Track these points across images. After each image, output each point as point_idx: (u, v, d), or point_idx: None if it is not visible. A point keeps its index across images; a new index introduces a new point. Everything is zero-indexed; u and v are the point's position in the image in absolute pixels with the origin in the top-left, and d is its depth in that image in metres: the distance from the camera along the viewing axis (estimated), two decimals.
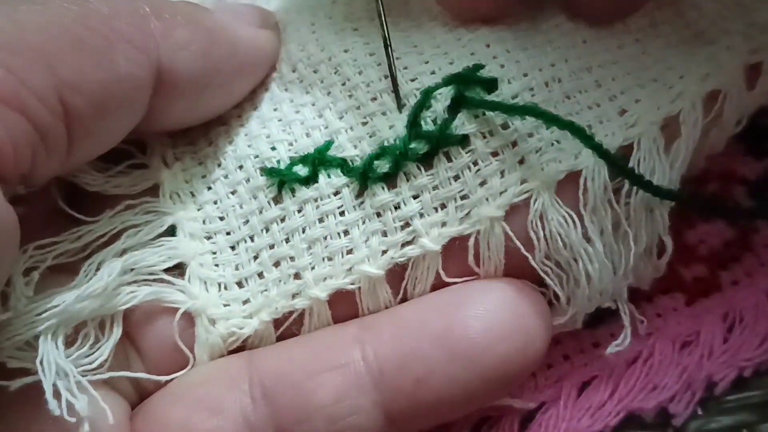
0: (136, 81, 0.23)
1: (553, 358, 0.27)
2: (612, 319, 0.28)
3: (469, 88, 0.24)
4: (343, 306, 0.25)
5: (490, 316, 0.23)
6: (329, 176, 0.25)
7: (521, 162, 0.24)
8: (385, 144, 0.25)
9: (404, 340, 0.24)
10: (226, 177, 0.26)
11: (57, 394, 0.22)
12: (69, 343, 0.24)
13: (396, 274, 0.25)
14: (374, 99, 0.26)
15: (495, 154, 0.24)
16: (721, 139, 0.27)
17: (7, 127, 0.20)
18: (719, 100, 0.25)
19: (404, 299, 0.25)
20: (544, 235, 0.24)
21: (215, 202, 0.26)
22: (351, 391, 0.23)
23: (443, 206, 0.24)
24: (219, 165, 0.27)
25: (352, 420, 0.23)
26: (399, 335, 0.24)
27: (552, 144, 0.24)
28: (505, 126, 0.24)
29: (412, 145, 0.24)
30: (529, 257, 0.24)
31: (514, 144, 0.24)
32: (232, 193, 0.26)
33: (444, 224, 0.24)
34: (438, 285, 0.25)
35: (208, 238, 0.26)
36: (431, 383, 0.23)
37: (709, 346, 0.26)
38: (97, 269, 0.25)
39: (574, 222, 0.24)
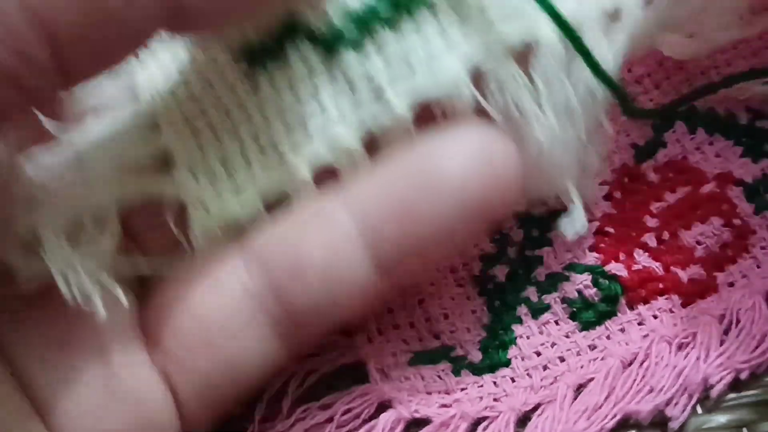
0: None
1: (549, 360, 0.27)
2: (609, 321, 0.28)
3: None
4: (324, 175, 0.26)
5: (465, 153, 0.24)
6: (298, 48, 0.25)
7: (486, 28, 0.25)
8: (350, 10, 0.25)
9: (384, 187, 0.25)
10: (198, 70, 0.27)
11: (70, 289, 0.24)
12: (70, 240, 0.25)
13: (370, 140, 0.25)
14: None
15: (461, 18, 0.25)
16: (647, 37, 0.27)
17: None
18: None
19: None
20: (501, 99, 0.25)
21: (192, 96, 0.27)
22: (339, 244, 0.25)
23: (412, 71, 0.25)
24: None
25: (344, 272, 0.25)
26: (379, 184, 0.25)
27: (515, 12, 0.25)
28: None
29: (378, 8, 0.25)
30: (493, 115, 0.25)
31: (481, 9, 0.25)
32: (210, 85, 0.26)
33: (413, 89, 0.25)
34: None
35: (189, 124, 0.27)
36: (414, 224, 0.24)
37: (706, 348, 0.26)
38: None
39: (528, 89, 0.25)
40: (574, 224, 0.27)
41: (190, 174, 0.26)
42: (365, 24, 0.25)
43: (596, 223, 0.30)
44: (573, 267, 0.29)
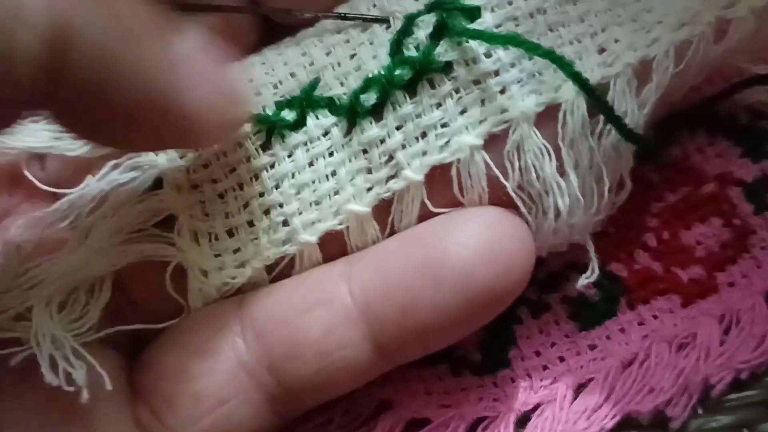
0: None
1: (549, 360, 0.27)
2: (609, 321, 0.28)
3: (452, 16, 0.24)
4: (333, 246, 0.25)
5: (471, 242, 0.24)
6: (317, 117, 0.25)
7: (502, 92, 0.24)
8: (370, 76, 0.25)
9: (388, 271, 0.24)
10: None
11: (54, 364, 0.23)
12: (59, 307, 0.24)
13: (382, 209, 0.25)
14: (365, 30, 0.26)
15: (477, 82, 0.24)
16: (680, 90, 0.27)
17: None
18: (690, 52, 0.25)
19: (392, 234, 0.25)
20: (519, 165, 0.24)
21: (202, 160, 0.26)
22: (339, 326, 0.24)
23: (424, 135, 0.25)
24: None
25: (342, 353, 0.24)
26: (383, 267, 0.24)
27: (534, 75, 0.24)
28: (488, 55, 0.24)
29: (397, 72, 0.25)
30: (507, 186, 0.24)
31: (496, 73, 0.24)
32: (222, 153, 0.26)
33: (425, 153, 0.25)
34: (425, 216, 0.25)
35: (195, 187, 0.26)
36: (417, 311, 0.24)
37: (706, 349, 0.26)
38: (87, 235, 0.25)
39: (549, 155, 0.24)
40: (588, 275, 0.26)
41: (193, 239, 0.26)
42: (386, 91, 0.25)
43: None
44: (573, 267, 0.29)
